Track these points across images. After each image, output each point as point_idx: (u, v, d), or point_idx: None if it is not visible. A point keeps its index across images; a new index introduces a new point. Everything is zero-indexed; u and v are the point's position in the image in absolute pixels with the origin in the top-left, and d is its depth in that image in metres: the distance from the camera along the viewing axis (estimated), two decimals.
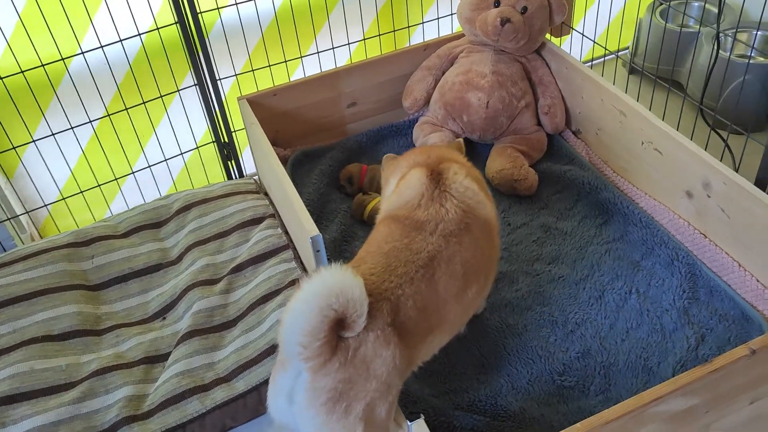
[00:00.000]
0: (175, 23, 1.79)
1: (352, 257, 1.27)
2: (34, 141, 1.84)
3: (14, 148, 1.85)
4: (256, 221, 1.78)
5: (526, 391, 1.45)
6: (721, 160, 1.59)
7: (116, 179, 2.00)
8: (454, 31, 2.26)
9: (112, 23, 1.89)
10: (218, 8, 1.94)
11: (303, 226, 1.44)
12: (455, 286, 1.22)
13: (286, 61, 2.11)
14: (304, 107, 2.07)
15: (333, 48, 2.15)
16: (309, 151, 2.08)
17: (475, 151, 2.07)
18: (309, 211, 1.70)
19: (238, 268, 1.68)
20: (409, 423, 1.16)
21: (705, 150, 1.61)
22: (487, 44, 2.04)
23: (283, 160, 2.03)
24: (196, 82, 1.89)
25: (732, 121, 1.86)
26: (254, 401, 1.42)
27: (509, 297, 1.63)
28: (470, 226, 1.27)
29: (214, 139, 2.02)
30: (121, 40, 1.80)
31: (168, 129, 2.13)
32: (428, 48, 2.14)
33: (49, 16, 1.80)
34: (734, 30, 2.17)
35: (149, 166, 2.02)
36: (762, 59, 2.22)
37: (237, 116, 2.12)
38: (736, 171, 1.66)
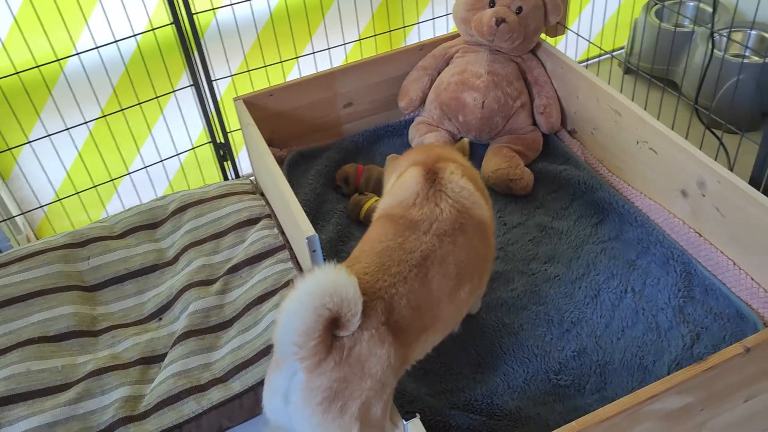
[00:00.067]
0: (171, 24, 1.79)
1: (348, 257, 1.27)
2: (29, 142, 1.84)
3: (10, 149, 1.85)
4: (252, 222, 1.78)
5: (522, 390, 1.45)
6: (715, 159, 1.59)
7: (112, 180, 2.00)
8: (449, 31, 2.27)
9: (108, 24, 1.88)
10: (213, 9, 1.94)
11: (299, 227, 1.44)
12: (448, 285, 1.22)
13: (281, 62, 2.11)
14: (300, 108, 2.07)
15: (329, 48, 2.15)
16: (305, 152, 2.08)
17: (471, 151, 2.06)
18: (305, 211, 1.70)
19: (235, 269, 1.68)
20: (405, 422, 1.16)
21: (700, 149, 1.62)
22: (482, 44, 2.04)
23: (279, 161, 2.03)
24: (191, 83, 1.90)
25: (727, 121, 1.87)
26: (250, 401, 1.42)
27: (505, 296, 1.64)
28: (465, 226, 1.27)
29: (210, 140, 2.02)
30: (116, 41, 1.80)
31: (164, 130, 2.13)
32: (424, 48, 2.15)
33: (44, 17, 1.80)
34: (729, 30, 2.18)
35: (145, 167, 2.02)
36: (756, 59, 2.23)
37: (233, 117, 2.12)
38: (731, 170, 1.66)
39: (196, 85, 1.90)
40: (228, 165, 2.09)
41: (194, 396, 1.42)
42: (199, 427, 1.39)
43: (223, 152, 2.06)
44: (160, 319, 1.63)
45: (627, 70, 2.58)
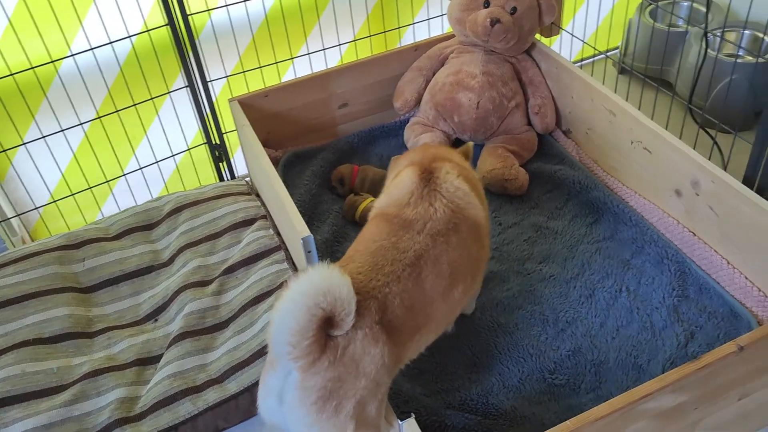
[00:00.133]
0: (165, 25, 1.79)
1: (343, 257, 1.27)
2: (24, 144, 1.84)
3: (5, 150, 1.85)
4: (247, 222, 1.78)
5: (518, 390, 1.45)
6: (709, 159, 1.60)
7: (107, 181, 2.00)
8: (444, 32, 2.27)
9: (102, 25, 1.88)
10: (208, 10, 1.94)
11: (294, 227, 1.44)
12: (442, 285, 1.22)
13: (276, 63, 2.11)
14: (295, 108, 2.07)
15: (324, 49, 2.15)
16: (300, 152, 2.08)
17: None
18: (300, 212, 1.70)
19: (230, 270, 1.69)
20: (400, 422, 1.16)
21: (694, 149, 1.62)
22: (477, 45, 2.04)
23: (275, 162, 2.03)
24: (186, 84, 1.90)
25: (720, 120, 1.87)
26: (246, 402, 1.43)
27: (500, 296, 1.64)
28: (458, 226, 1.28)
29: (205, 141, 2.02)
30: (111, 42, 1.80)
31: (159, 131, 2.13)
32: (419, 49, 2.15)
33: (39, 18, 1.80)
34: (722, 29, 2.18)
35: (140, 168, 2.02)
36: (749, 58, 2.24)
37: (228, 118, 2.12)
38: (725, 170, 1.67)
39: (191, 86, 1.90)
40: (223, 166, 2.09)
41: (190, 397, 1.42)
42: (194, 428, 1.39)
43: (219, 153, 2.06)
44: (156, 320, 1.63)
45: (621, 70, 2.59)
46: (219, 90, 2.20)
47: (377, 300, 1.13)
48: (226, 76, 2.05)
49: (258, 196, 1.90)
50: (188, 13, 1.79)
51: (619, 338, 1.53)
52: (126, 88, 2.01)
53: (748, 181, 1.66)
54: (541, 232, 1.81)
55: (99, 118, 1.89)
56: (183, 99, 2.03)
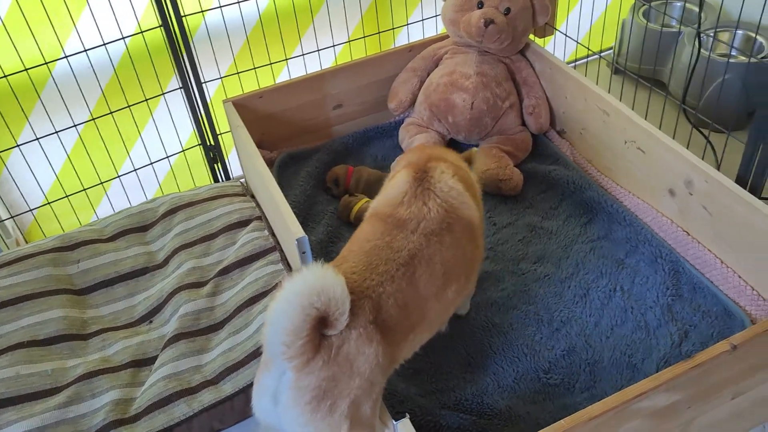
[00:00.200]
0: (159, 26, 1.79)
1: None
2: (18, 145, 1.83)
3: None
4: (242, 224, 1.78)
5: (512, 390, 1.46)
6: (702, 159, 1.61)
7: (102, 183, 2.00)
8: (438, 33, 2.27)
9: (96, 27, 1.88)
10: (202, 11, 1.94)
11: (289, 228, 1.44)
12: (435, 284, 1.22)
13: (271, 64, 2.11)
14: (289, 110, 2.07)
15: (318, 50, 2.16)
16: (295, 154, 2.08)
17: (461, 152, 2.07)
18: (295, 213, 1.70)
19: (225, 271, 1.68)
20: (394, 422, 1.16)
21: (687, 148, 1.63)
22: (471, 45, 2.05)
23: (269, 163, 2.03)
24: (181, 86, 1.89)
25: (713, 120, 1.88)
26: (241, 403, 1.42)
27: (495, 296, 1.64)
28: (452, 225, 1.28)
29: (200, 142, 2.02)
30: (105, 44, 1.80)
31: (153, 132, 2.13)
32: (413, 49, 2.15)
33: (32, 20, 1.80)
34: (714, 29, 2.19)
35: (135, 170, 2.02)
36: (742, 58, 2.25)
37: (223, 119, 2.12)
38: (718, 169, 1.67)
39: (185, 87, 1.90)
40: (218, 167, 2.09)
41: (185, 398, 1.42)
42: (190, 430, 1.39)
43: (213, 154, 2.06)
44: (151, 321, 1.63)
45: (615, 71, 2.60)
46: (213, 91, 2.20)
47: (371, 299, 1.13)
48: (221, 77, 2.05)
49: (253, 197, 1.90)
50: (182, 14, 1.79)
51: (613, 337, 1.54)
52: (120, 90, 2.00)
53: (741, 181, 1.67)
54: (536, 232, 1.81)
55: (93, 119, 1.89)
56: (177, 100, 2.03)
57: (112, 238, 1.79)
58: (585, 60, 2.70)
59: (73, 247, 1.74)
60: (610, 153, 1.88)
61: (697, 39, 2.05)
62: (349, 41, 2.30)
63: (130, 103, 1.92)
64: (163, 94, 1.97)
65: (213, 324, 1.59)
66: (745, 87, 2.17)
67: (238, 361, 1.48)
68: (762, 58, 2.20)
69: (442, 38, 2.17)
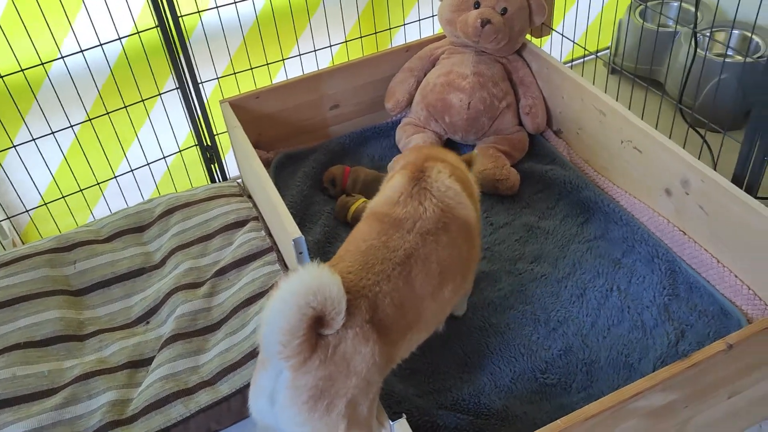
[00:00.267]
0: (156, 27, 1.79)
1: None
2: (14, 146, 1.83)
3: None
4: (239, 224, 1.78)
5: (509, 390, 1.46)
6: (699, 158, 1.61)
7: (98, 184, 2.00)
8: (435, 33, 2.27)
9: (92, 27, 1.88)
10: (199, 11, 1.94)
11: (285, 229, 1.44)
12: (431, 283, 1.22)
13: (267, 64, 2.11)
14: (286, 110, 2.07)
15: (315, 50, 2.16)
16: (292, 154, 2.08)
17: (458, 152, 2.07)
18: (292, 213, 1.70)
19: (222, 272, 1.68)
20: (391, 423, 1.16)
21: (683, 148, 1.63)
22: (468, 45, 2.05)
23: (266, 163, 2.03)
24: (177, 86, 1.89)
25: (710, 120, 1.89)
26: (238, 404, 1.42)
27: (492, 296, 1.64)
28: (448, 225, 1.28)
29: (196, 143, 2.02)
30: (101, 44, 1.80)
31: (150, 133, 2.13)
32: (410, 50, 2.15)
33: (28, 21, 1.79)
34: (711, 29, 2.20)
35: (132, 171, 2.02)
36: (738, 58, 2.25)
37: (219, 119, 2.12)
38: (714, 169, 1.68)
39: (182, 88, 1.89)
40: (215, 168, 2.09)
41: (182, 399, 1.42)
42: (186, 431, 1.39)
43: (210, 155, 2.05)
44: (148, 322, 1.63)
45: (612, 70, 2.60)
46: (210, 91, 2.19)
47: (367, 299, 1.13)
48: (217, 78, 2.05)
49: (250, 197, 1.90)
50: (179, 14, 1.79)
51: (610, 337, 1.54)
52: (117, 90, 2.00)
53: (737, 180, 1.67)
54: (533, 232, 1.81)
55: (89, 120, 1.89)
56: (174, 101, 2.03)
57: (109, 239, 1.79)
58: (582, 60, 2.71)
59: (69, 248, 1.74)
60: (607, 153, 1.88)
61: (693, 39, 2.05)
62: (346, 41, 2.30)
63: (126, 104, 1.92)
64: (160, 94, 1.97)
65: (210, 325, 1.58)
66: (742, 86, 2.17)
67: (235, 361, 1.48)
68: (758, 57, 2.20)
69: (438, 38, 2.17)
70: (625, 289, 1.63)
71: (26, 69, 1.76)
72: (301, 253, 1.42)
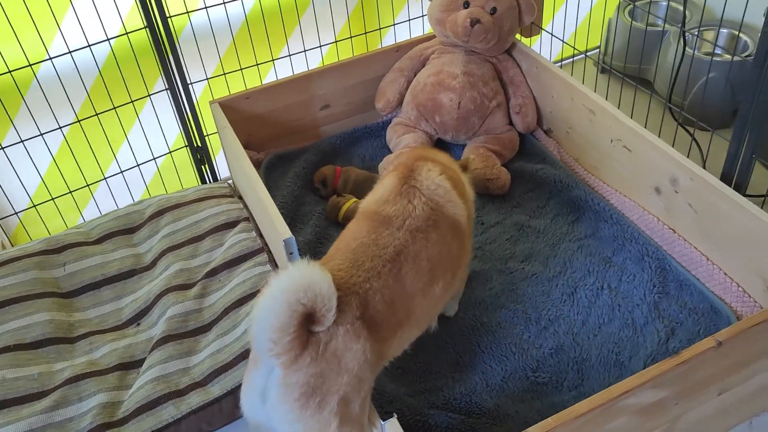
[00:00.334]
0: (145, 27, 1.78)
1: None
2: (2, 148, 1.82)
3: None
4: (230, 225, 1.78)
5: (501, 388, 1.46)
6: (688, 156, 1.62)
7: (88, 185, 1.99)
8: (425, 33, 2.28)
9: (81, 28, 1.87)
10: (188, 12, 1.93)
11: (276, 229, 1.44)
12: (422, 281, 1.23)
13: (257, 65, 2.10)
14: (276, 110, 2.07)
15: (305, 51, 2.15)
16: (282, 154, 2.08)
17: (449, 152, 2.08)
18: (283, 213, 1.70)
19: (213, 272, 1.68)
20: (382, 422, 1.16)
21: (673, 147, 1.64)
22: (458, 45, 2.05)
23: (257, 164, 2.03)
24: (167, 87, 1.89)
25: (698, 118, 1.90)
26: (230, 405, 1.42)
27: (483, 295, 1.65)
28: (438, 223, 1.28)
29: (186, 144, 2.01)
30: (89, 45, 1.79)
31: (140, 134, 2.12)
32: (400, 49, 2.15)
33: (16, 22, 1.78)
34: (699, 28, 2.21)
35: (121, 172, 2.01)
36: (727, 57, 2.26)
37: (209, 120, 2.11)
38: (703, 167, 1.69)
39: (171, 88, 1.89)
40: (205, 168, 2.08)
41: (173, 401, 1.41)
42: None
43: (201, 156, 2.05)
44: (138, 324, 1.62)
45: (601, 70, 2.61)
46: (200, 92, 2.19)
47: (358, 296, 1.14)
48: (207, 79, 2.05)
49: (240, 198, 1.90)
50: (167, 15, 1.78)
51: (600, 335, 1.54)
52: (106, 92, 1.99)
53: (726, 178, 1.68)
54: (524, 231, 1.81)
55: (78, 121, 1.88)
56: (163, 102, 2.02)
57: (99, 241, 1.78)
58: (571, 59, 2.71)
59: (59, 250, 1.73)
60: (597, 152, 1.89)
61: (682, 38, 2.06)
62: (336, 42, 2.30)
63: (115, 105, 1.91)
64: (150, 95, 1.96)
65: (201, 326, 1.58)
66: (730, 85, 2.18)
67: (226, 362, 1.48)
68: (746, 56, 2.22)
69: (428, 38, 2.17)
70: (615, 288, 1.64)
71: (14, 70, 1.75)
72: (291, 253, 1.41)
